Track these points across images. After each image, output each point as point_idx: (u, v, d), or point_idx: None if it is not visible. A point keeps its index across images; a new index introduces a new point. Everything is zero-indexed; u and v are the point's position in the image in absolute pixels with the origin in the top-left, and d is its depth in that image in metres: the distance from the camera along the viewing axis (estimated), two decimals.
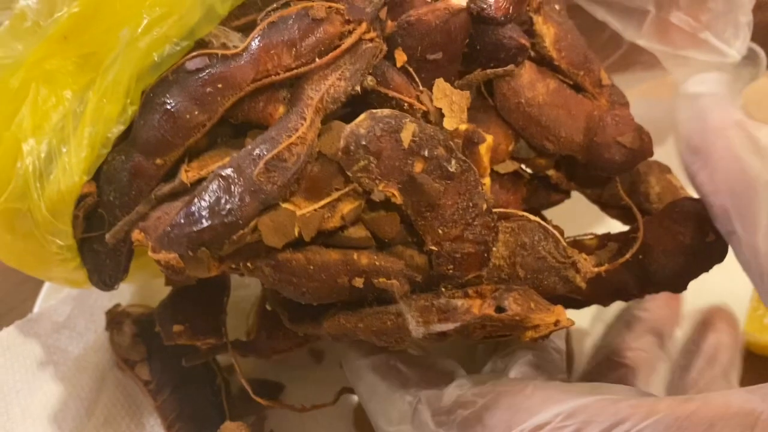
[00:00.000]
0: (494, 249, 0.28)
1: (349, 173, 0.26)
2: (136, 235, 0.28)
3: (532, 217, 0.29)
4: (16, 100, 0.29)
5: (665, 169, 0.34)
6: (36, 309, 0.45)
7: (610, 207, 0.34)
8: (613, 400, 0.24)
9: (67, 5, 0.29)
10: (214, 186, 0.25)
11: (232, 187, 0.25)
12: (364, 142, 0.25)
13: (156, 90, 0.28)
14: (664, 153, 0.34)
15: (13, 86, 0.29)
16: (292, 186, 0.25)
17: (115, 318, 0.43)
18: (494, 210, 0.27)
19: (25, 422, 0.40)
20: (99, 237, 0.29)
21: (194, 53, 0.27)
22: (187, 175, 0.27)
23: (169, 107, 0.27)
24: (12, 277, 0.50)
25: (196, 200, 0.25)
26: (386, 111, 0.26)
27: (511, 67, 0.28)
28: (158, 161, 0.28)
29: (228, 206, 0.24)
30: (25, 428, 0.40)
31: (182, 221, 0.25)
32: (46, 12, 0.30)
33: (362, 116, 0.25)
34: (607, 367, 0.35)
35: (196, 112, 0.27)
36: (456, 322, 0.26)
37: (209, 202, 0.25)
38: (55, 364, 0.42)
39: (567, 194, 0.34)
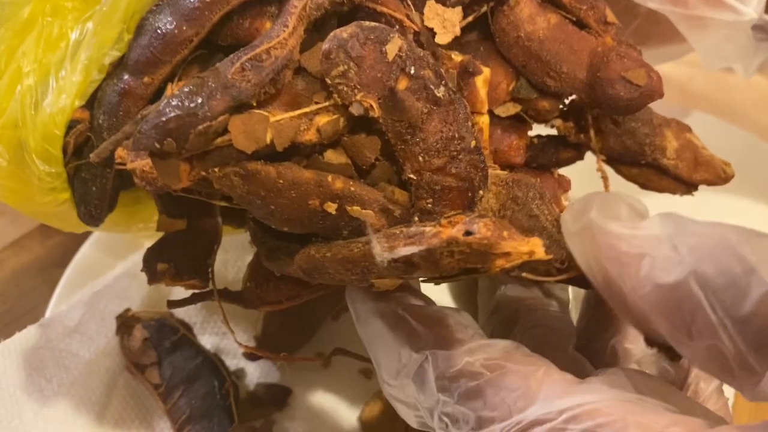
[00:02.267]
0: (482, 195, 0.26)
1: (327, 79, 0.25)
2: (119, 152, 0.27)
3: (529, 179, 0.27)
4: (24, 31, 0.30)
5: (685, 128, 0.32)
6: (48, 314, 0.45)
7: (624, 165, 0.32)
8: (624, 401, 0.23)
9: None
10: (188, 85, 0.25)
11: (205, 84, 0.24)
12: (346, 47, 0.24)
13: (150, 14, 0.28)
14: None
15: (22, 18, 0.30)
16: (267, 87, 0.25)
17: (125, 322, 0.44)
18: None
19: (37, 425, 0.41)
20: (87, 164, 0.29)
21: None
22: (172, 90, 0.27)
23: (158, 26, 0.27)
24: (24, 282, 0.51)
25: (168, 98, 0.25)
26: (374, 23, 0.25)
27: None
28: (146, 80, 0.28)
29: (197, 99, 0.24)
30: (37, 431, 0.40)
31: (153, 117, 0.24)
32: None
33: (350, 24, 0.25)
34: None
35: (184, 27, 0.27)
36: (421, 245, 0.24)
37: (181, 97, 0.24)
38: (67, 368, 0.43)
39: (578, 153, 0.32)
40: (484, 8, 0.29)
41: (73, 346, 0.43)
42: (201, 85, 0.24)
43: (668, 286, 0.21)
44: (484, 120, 0.28)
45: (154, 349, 0.43)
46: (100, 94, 0.29)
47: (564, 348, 0.31)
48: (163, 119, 0.24)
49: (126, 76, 0.28)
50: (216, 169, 0.25)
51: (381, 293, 0.29)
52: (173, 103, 0.24)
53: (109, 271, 0.46)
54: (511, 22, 0.29)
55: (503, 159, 0.30)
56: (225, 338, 0.47)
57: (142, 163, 0.25)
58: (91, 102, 0.29)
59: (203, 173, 0.25)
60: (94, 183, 0.29)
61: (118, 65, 0.29)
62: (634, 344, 0.31)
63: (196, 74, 0.27)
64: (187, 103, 0.24)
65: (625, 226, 0.23)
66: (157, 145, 0.24)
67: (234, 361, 0.46)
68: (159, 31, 0.27)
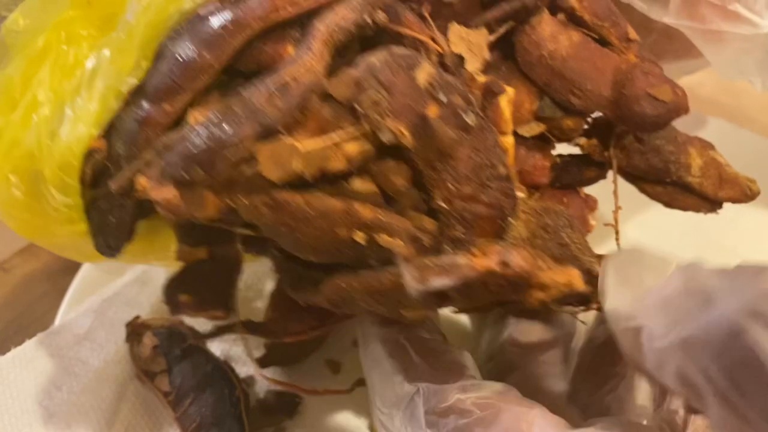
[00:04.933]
0: (513, 223, 0.26)
1: (357, 106, 0.24)
2: (140, 180, 0.27)
3: (558, 207, 0.27)
4: (39, 60, 0.30)
5: (708, 145, 0.32)
6: (57, 321, 0.45)
7: (648, 183, 0.31)
8: None
9: None
10: (214, 114, 0.24)
11: (232, 111, 0.24)
12: (377, 74, 0.24)
13: (168, 40, 0.28)
14: None
15: (37, 47, 0.30)
16: (295, 113, 0.24)
17: (135, 330, 0.43)
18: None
19: None
20: (104, 194, 0.29)
21: (208, 0, 0.27)
22: (194, 117, 0.27)
23: (178, 53, 0.27)
24: (33, 290, 0.51)
25: (194, 126, 0.24)
26: (404, 49, 0.25)
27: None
28: (166, 107, 0.27)
29: (225, 127, 0.23)
30: None
31: (178, 146, 0.24)
32: None
33: (378, 50, 0.25)
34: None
35: (205, 54, 0.26)
36: (455, 276, 0.23)
37: (208, 126, 0.24)
38: (76, 375, 0.42)
39: (602, 171, 0.32)
40: (504, 27, 0.28)
41: (82, 353, 0.43)
42: (227, 112, 0.24)
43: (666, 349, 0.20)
44: (508, 141, 0.28)
45: (164, 357, 0.42)
46: (118, 122, 0.29)
47: (558, 398, 0.30)
48: (191, 148, 0.24)
49: (145, 104, 0.28)
50: (243, 199, 0.25)
51: (389, 320, 0.28)
52: (200, 132, 0.24)
53: (119, 278, 0.46)
54: (534, 41, 0.28)
55: (528, 179, 0.30)
56: (235, 345, 0.46)
57: (165, 193, 0.25)
58: (109, 131, 0.29)
59: (230, 202, 0.25)
60: (111, 213, 0.29)
61: (136, 93, 0.28)
62: (630, 395, 0.30)
63: (219, 101, 0.27)
64: (214, 131, 0.23)
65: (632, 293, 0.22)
66: (185, 175, 0.24)
67: (244, 368, 0.45)
68: (179, 58, 0.27)
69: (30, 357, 0.42)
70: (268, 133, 0.24)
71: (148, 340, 0.42)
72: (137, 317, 0.44)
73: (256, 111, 0.24)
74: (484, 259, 0.22)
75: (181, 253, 0.31)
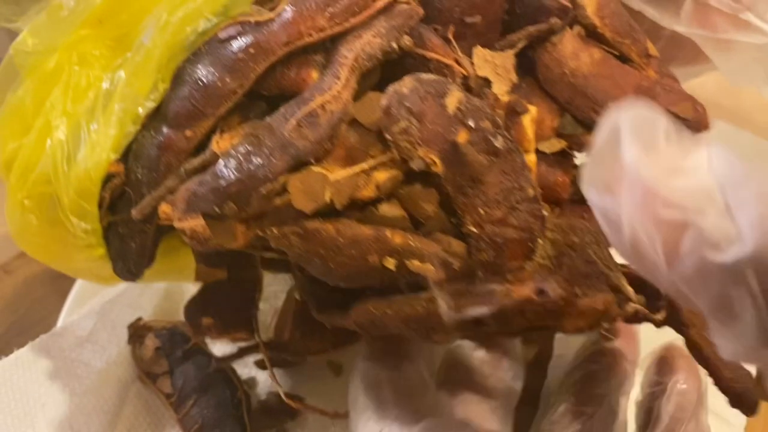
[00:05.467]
0: (540, 243, 0.26)
1: (388, 135, 0.24)
2: (164, 208, 0.26)
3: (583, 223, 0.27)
4: (50, 82, 0.29)
5: None
6: (59, 323, 0.45)
7: None
8: None
9: None
10: (243, 145, 0.24)
11: (262, 143, 0.24)
12: (406, 103, 0.24)
13: (187, 63, 0.27)
14: None
15: (46, 70, 0.29)
16: (325, 143, 0.24)
17: (137, 332, 0.43)
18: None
19: None
20: (124, 220, 0.28)
21: (227, 23, 0.27)
22: (218, 144, 0.26)
23: (199, 77, 0.26)
24: (35, 292, 0.51)
25: (223, 159, 0.24)
26: (431, 75, 0.24)
27: (555, 21, 0.27)
28: (188, 133, 0.27)
29: (256, 160, 0.23)
30: None
31: (209, 178, 0.24)
32: (83, 3, 0.30)
33: (406, 77, 0.24)
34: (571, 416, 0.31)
35: (228, 79, 0.26)
36: (492, 305, 0.24)
37: (238, 159, 0.23)
38: (79, 377, 0.42)
39: None
40: (522, 43, 0.28)
41: (85, 355, 0.43)
42: (257, 144, 0.24)
43: (716, 266, 0.16)
44: (531, 159, 0.28)
45: (166, 358, 0.42)
46: (136, 146, 0.28)
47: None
48: (223, 183, 0.23)
49: (165, 129, 0.27)
50: (274, 229, 0.24)
51: (381, 354, 0.29)
52: (231, 165, 0.23)
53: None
54: (555, 58, 0.28)
55: (550, 195, 0.30)
56: (237, 347, 0.46)
57: (193, 223, 0.25)
58: (126, 154, 0.28)
59: (260, 233, 0.25)
60: (132, 239, 0.28)
61: (155, 117, 0.28)
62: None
63: (241, 126, 0.27)
64: (246, 165, 0.23)
65: (665, 166, 0.17)
66: (217, 210, 0.23)
67: (246, 370, 0.46)
68: (200, 83, 0.26)
69: (32, 359, 0.42)
70: (298, 165, 0.24)
71: (150, 342, 0.42)
72: (139, 319, 0.44)
73: (286, 143, 0.23)
74: (522, 288, 0.23)
75: (201, 274, 0.31)
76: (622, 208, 0.17)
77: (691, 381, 0.31)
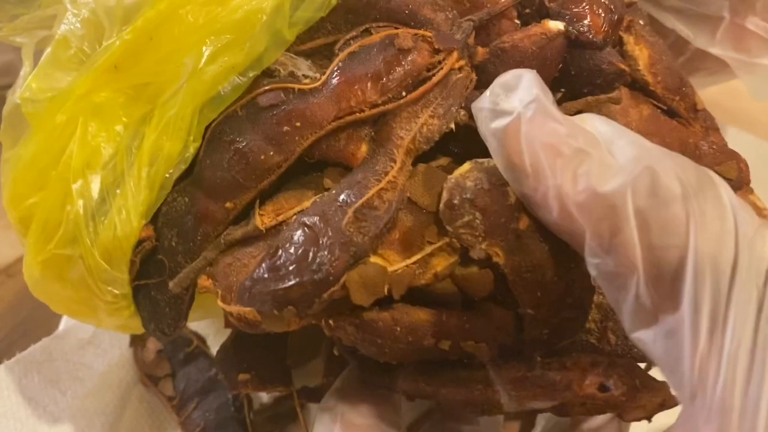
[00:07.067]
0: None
1: (449, 228, 0.23)
2: (204, 281, 0.25)
3: None
4: (63, 136, 0.27)
5: (748, 190, 0.32)
6: (61, 326, 0.44)
7: None
8: None
9: (117, 31, 0.27)
10: (298, 236, 0.23)
11: (320, 238, 0.22)
12: (470, 196, 0.22)
13: (224, 126, 0.25)
14: None
15: (59, 121, 0.27)
16: (384, 237, 0.23)
17: (139, 335, 0.42)
18: None
19: None
20: (157, 284, 0.27)
21: (266, 87, 0.25)
22: (261, 220, 0.25)
23: (240, 147, 0.24)
24: None
25: (280, 252, 0.23)
26: (491, 161, 0.23)
27: (617, 93, 0.25)
28: (228, 205, 0.25)
29: (318, 260, 0.22)
30: None
31: (266, 276, 0.23)
32: (91, 37, 0.27)
33: (467, 166, 0.23)
34: None
35: (272, 153, 0.24)
36: (554, 400, 0.24)
37: (296, 255, 0.22)
38: (81, 380, 0.42)
39: None
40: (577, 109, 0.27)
41: (87, 358, 0.43)
42: (314, 239, 0.23)
43: (601, 194, 0.20)
44: None
45: (168, 361, 0.42)
46: (166, 209, 0.26)
47: None
48: (282, 286, 0.22)
49: (202, 198, 0.25)
50: (330, 321, 0.24)
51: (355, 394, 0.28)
52: (288, 262, 0.22)
53: None
54: (604, 115, 0.27)
55: None
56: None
57: (243, 310, 0.24)
58: (155, 216, 0.27)
59: (314, 322, 0.24)
60: (168, 304, 0.27)
61: (189, 182, 0.26)
62: None
63: (297, 210, 0.25)
64: (304, 265, 0.22)
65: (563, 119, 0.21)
66: (276, 312, 0.22)
67: None
68: (242, 154, 0.24)
69: (35, 361, 0.42)
70: (357, 261, 0.23)
71: (152, 345, 0.42)
72: None
73: (345, 240, 0.22)
74: (585, 386, 0.23)
75: (229, 321, 0.31)
76: (529, 133, 0.21)
77: None
